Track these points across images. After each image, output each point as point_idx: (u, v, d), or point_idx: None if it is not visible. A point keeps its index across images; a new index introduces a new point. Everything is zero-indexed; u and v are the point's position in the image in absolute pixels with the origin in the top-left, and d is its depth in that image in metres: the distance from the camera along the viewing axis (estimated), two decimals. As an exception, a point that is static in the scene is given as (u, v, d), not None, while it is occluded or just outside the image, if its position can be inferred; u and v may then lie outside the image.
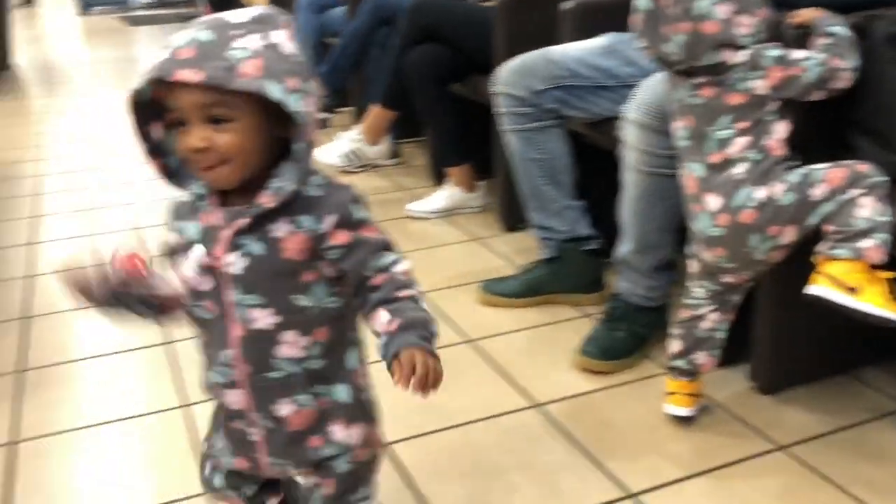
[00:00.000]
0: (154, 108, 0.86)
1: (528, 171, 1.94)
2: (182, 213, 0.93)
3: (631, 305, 1.71)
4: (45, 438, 1.50)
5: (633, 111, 1.57)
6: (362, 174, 2.98)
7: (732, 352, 1.55)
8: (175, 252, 0.92)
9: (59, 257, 2.33)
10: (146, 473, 1.40)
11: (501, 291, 1.96)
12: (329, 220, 0.87)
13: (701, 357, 1.44)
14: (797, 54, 1.25)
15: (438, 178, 2.76)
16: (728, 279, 1.37)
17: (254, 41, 0.82)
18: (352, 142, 2.95)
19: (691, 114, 1.30)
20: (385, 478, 1.35)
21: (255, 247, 0.87)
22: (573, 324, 1.86)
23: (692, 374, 1.46)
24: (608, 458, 1.39)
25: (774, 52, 1.24)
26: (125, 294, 0.89)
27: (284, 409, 0.92)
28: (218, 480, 1.02)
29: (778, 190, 1.26)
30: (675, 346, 1.46)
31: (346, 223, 0.87)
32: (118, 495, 1.35)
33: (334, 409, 0.94)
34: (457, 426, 1.49)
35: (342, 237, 0.87)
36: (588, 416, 1.52)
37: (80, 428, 1.53)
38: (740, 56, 1.23)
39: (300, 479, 1.02)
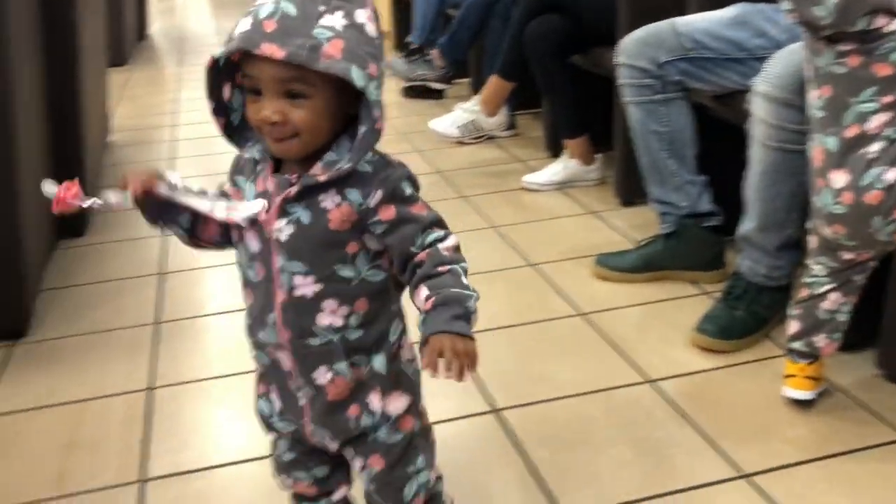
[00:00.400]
0: (227, 67, 0.88)
1: (650, 143, 1.91)
2: (243, 169, 0.94)
3: (752, 285, 1.66)
4: (177, 386, 1.61)
5: (763, 84, 1.51)
6: (478, 145, 3.00)
7: (858, 337, 1.49)
8: (226, 195, 0.94)
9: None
10: (269, 424, 1.48)
11: (617, 265, 1.94)
12: (377, 196, 0.87)
13: (820, 340, 1.39)
14: None
15: (555, 150, 2.74)
16: (848, 256, 1.31)
17: (338, 20, 0.82)
18: (469, 113, 2.97)
19: (832, 83, 1.23)
20: (494, 442, 1.38)
21: (303, 215, 0.88)
22: (690, 301, 1.83)
23: (811, 356, 1.41)
24: (722, 437, 1.37)
25: None
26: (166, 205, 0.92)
27: (322, 377, 0.93)
28: (288, 455, 1.03)
29: None
30: (793, 327, 1.41)
31: (394, 199, 0.88)
32: (244, 442, 1.43)
33: (370, 378, 0.94)
34: (568, 397, 1.50)
35: (388, 213, 0.88)
36: (703, 394, 1.50)
37: (210, 378, 1.63)
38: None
39: (355, 467, 1.01)
